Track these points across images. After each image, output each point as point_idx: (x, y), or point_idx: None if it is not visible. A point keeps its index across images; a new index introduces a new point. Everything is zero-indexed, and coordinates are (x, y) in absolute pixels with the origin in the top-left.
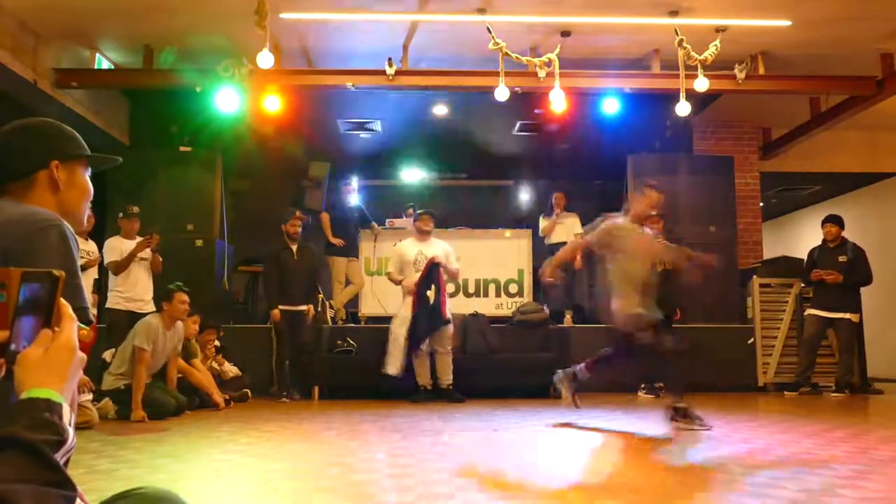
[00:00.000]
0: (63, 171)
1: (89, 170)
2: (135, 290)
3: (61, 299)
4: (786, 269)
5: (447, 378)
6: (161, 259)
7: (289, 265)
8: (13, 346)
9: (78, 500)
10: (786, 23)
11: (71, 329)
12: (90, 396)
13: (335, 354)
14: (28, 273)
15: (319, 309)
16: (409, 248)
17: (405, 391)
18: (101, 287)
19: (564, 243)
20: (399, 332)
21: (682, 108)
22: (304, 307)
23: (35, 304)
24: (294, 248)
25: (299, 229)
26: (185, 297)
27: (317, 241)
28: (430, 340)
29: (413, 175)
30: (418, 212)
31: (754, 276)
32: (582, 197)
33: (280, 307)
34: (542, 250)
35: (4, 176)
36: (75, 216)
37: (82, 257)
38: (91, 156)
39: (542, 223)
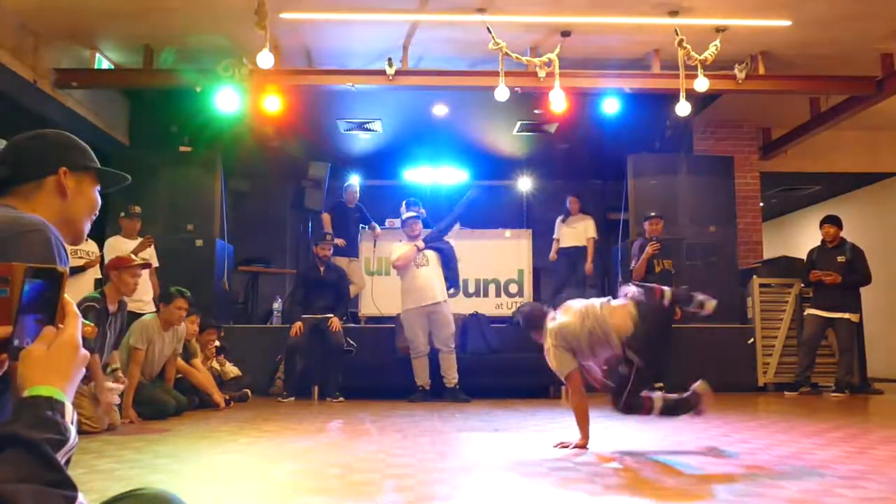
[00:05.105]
0: (71, 179)
1: (98, 186)
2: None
3: (65, 296)
4: (786, 269)
5: (453, 376)
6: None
7: (315, 281)
8: (16, 342)
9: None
10: (786, 23)
11: (75, 327)
12: (118, 401)
13: None
14: (32, 268)
15: (345, 319)
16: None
17: (405, 391)
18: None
19: (576, 247)
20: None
21: (682, 108)
22: (328, 315)
23: (39, 300)
24: (322, 268)
25: (329, 253)
26: (184, 304)
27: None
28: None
29: (413, 175)
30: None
31: (754, 276)
32: (582, 197)
33: (304, 316)
34: (544, 250)
35: (14, 178)
36: (76, 226)
37: (82, 257)
38: (100, 169)
39: (558, 227)
